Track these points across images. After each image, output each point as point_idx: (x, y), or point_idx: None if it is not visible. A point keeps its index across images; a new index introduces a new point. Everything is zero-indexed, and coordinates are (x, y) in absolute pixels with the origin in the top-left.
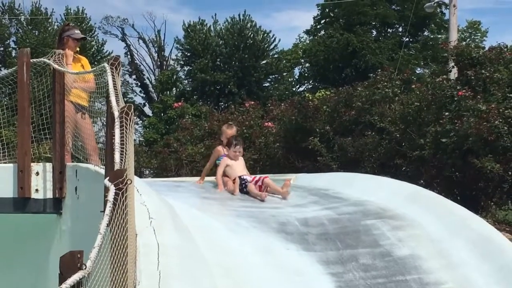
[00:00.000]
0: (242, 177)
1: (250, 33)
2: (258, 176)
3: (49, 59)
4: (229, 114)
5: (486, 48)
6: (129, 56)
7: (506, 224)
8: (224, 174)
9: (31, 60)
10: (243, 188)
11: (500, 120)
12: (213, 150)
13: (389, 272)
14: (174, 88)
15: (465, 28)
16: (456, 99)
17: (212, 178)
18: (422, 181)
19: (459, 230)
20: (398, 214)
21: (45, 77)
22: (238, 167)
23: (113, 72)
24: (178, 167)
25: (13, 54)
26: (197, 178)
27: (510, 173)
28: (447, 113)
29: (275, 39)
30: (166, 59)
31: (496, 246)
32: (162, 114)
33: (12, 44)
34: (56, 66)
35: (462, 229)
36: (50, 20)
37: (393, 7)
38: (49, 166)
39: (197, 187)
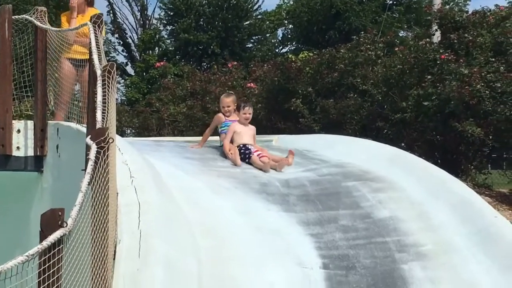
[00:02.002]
0: (246, 145)
1: None
2: (258, 151)
3: (31, 16)
4: (212, 75)
5: (470, 12)
6: (111, 15)
7: (485, 187)
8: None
9: (12, 17)
10: (246, 158)
11: (482, 84)
12: (214, 117)
13: (369, 234)
14: (156, 48)
15: None
16: (438, 62)
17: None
18: (403, 144)
19: (439, 193)
20: (378, 177)
21: (27, 34)
22: (246, 135)
23: (96, 30)
24: (160, 126)
25: None
26: (179, 138)
27: (490, 137)
28: (429, 77)
29: None
30: (149, 18)
31: (475, 209)
32: (144, 74)
33: None
34: (38, 23)
35: (442, 192)
36: None
37: None
38: (30, 123)
39: (179, 147)
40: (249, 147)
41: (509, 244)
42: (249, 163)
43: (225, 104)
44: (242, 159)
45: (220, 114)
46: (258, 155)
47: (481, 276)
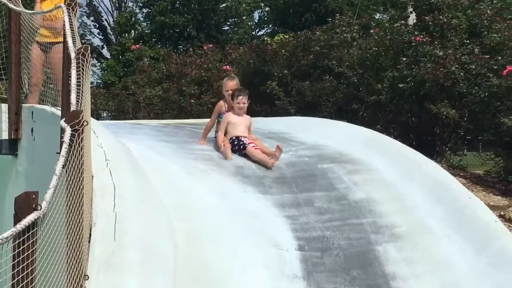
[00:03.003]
0: (239, 137)
1: None
2: (251, 143)
3: None
4: (188, 57)
5: None
6: None
7: (460, 169)
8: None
9: None
10: (240, 150)
11: (457, 66)
12: (215, 106)
13: (344, 215)
14: (132, 31)
15: None
16: (413, 44)
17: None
18: (378, 126)
19: (414, 175)
20: (354, 159)
21: (1, 17)
22: (240, 126)
23: (70, 12)
24: (135, 109)
25: None
26: (154, 121)
27: (465, 118)
28: (404, 59)
29: None
30: (125, 0)
31: (450, 191)
32: (120, 57)
33: None
34: (11, 5)
35: (417, 174)
36: None
37: None
38: (4, 107)
39: (155, 129)
40: (242, 139)
41: (483, 225)
42: (243, 155)
43: (229, 87)
44: (235, 151)
45: (221, 103)
46: (252, 147)
47: (455, 257)
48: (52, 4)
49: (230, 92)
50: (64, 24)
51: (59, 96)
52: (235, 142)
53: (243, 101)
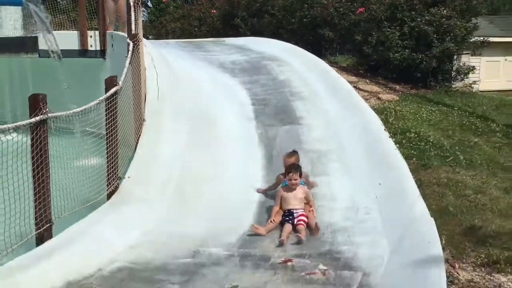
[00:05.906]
0: (291, 210)
1: None
2: (301, 216)
3: None
4: (192, 6)
5: None
6: None
7: (334, 63)
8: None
9: None
10: (290, 220)
11: (333, 9)
12: (276, 178)
13: (275, 87)
14: None
15: None
16: None
17: None
18: (293, 42)
19: (311, 67)
20: (280, 59)
21: None
22: (292, 199)
23: None
24: (166, 34)
25: None
26: (176, 40)
27: (337, 37)
28: (306, 5)
29: None
30: None
31: (329, 74)
32: (157, 6)
33: None
34: None
35: (313, 66)
36: None
37: None
38: (97, 32)
39: (177, 45)
40: (293, 212)
41: (346, 91)
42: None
43: (287, 163)
44: (286, 221)
45: (281, 176)
46: (298, 221)
47: (330, 108)
48: None
49: None
50: None
51: (121, 27)
52: (286, 214)
53: (294, 177)
